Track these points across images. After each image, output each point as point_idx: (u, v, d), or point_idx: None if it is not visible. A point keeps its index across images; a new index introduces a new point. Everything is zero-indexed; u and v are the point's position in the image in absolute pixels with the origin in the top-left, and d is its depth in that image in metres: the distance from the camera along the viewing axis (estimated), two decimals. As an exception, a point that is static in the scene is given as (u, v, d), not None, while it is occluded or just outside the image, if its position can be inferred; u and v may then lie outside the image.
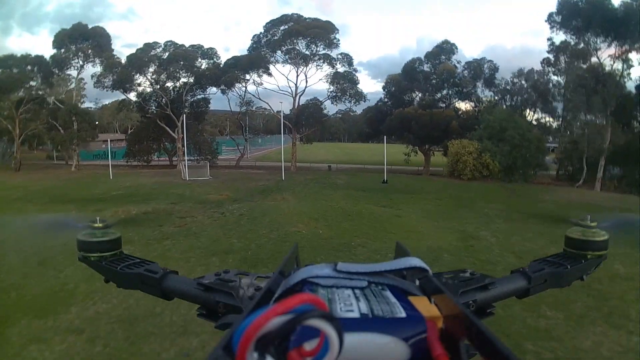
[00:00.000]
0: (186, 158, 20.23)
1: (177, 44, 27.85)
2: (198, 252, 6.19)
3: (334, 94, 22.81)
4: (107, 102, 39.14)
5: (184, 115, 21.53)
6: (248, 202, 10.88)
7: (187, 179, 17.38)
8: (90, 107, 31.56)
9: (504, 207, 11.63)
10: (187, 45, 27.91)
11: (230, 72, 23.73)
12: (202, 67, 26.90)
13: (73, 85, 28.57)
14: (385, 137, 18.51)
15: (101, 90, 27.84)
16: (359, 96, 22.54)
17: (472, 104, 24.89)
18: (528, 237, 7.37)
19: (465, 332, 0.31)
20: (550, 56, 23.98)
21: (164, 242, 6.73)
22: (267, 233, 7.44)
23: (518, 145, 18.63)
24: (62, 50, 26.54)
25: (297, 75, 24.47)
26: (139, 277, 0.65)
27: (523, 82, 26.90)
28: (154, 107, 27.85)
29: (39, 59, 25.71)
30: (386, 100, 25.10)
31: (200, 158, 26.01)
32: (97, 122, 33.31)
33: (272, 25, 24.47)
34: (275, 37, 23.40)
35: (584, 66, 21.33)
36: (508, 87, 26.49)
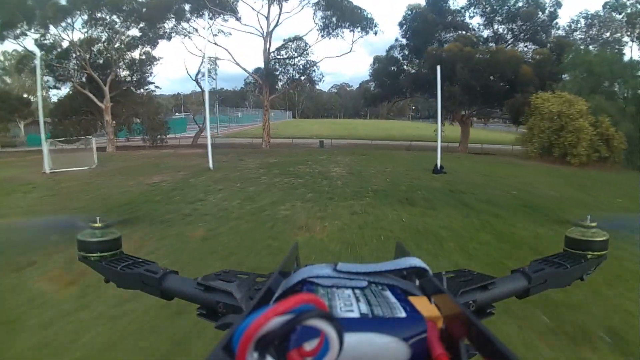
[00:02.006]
0: (44, 140, 11.23)
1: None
2: None
3: (325, 23, 13.98)
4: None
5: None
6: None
7: (48, 171, 9.41)
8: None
9: None
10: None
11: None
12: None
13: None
14: (439, 87, 9.81)
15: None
16: (367, 23, 13.82)
17: (535, 47, 16.51)
18: None
19: (465, 332, 0.31)
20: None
21: None
22: None
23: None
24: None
25: (270, 8, 15.97)
26: (139, 277, 0.64)
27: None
28: (71, 67, 19.57)
29: None
30: (405, 42, 16.46)
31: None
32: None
33: None
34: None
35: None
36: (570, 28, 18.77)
